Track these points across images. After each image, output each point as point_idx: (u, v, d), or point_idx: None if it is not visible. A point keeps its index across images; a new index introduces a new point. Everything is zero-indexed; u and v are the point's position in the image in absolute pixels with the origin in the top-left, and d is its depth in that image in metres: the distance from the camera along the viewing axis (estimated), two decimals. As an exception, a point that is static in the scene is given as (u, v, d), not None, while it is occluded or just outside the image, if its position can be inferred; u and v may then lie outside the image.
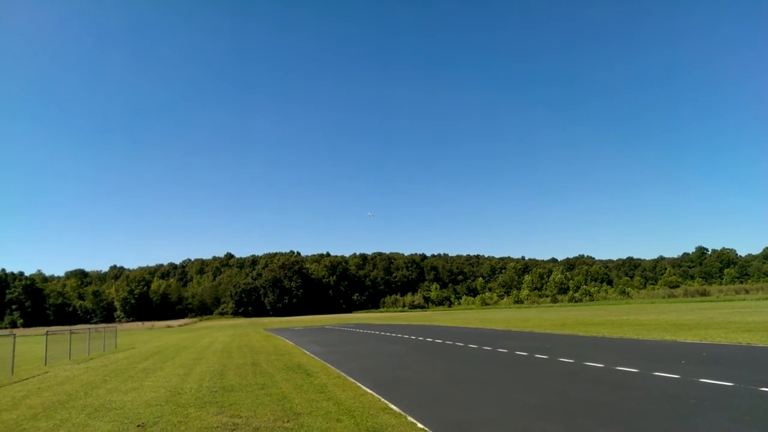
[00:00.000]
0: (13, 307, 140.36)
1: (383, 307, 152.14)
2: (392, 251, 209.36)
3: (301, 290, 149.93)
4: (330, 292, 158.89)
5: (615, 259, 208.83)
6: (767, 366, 14.10)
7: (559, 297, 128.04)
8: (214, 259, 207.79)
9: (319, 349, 26.55)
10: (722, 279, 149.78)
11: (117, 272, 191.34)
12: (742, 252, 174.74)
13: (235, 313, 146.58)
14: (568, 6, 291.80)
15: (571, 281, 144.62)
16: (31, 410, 11.77)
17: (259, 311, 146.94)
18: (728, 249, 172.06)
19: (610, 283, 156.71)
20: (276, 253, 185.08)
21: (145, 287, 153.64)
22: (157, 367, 20.71)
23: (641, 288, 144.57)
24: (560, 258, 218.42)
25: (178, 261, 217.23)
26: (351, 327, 53.66)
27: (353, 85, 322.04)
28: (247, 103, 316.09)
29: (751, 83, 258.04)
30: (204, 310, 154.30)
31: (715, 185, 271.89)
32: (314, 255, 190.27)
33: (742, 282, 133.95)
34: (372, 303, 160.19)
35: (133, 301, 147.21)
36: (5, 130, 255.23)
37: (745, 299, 79.60)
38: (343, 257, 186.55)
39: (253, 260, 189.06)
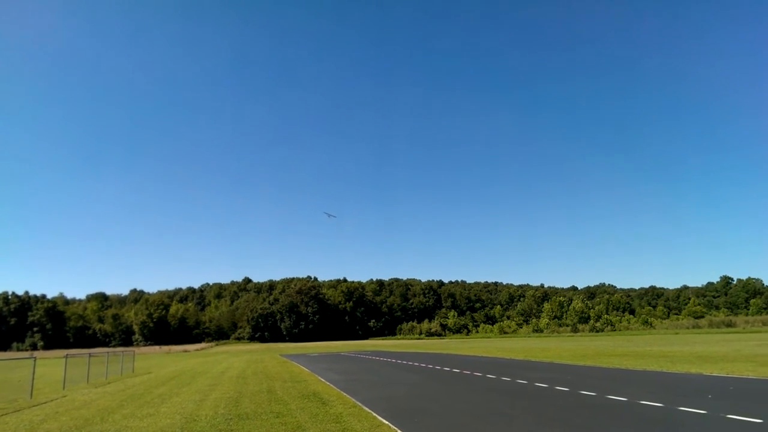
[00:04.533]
0: (35, 329, 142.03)
1: (400, 334, 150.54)
2: (409, 277, 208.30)
3: (317, 316, 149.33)
4: (346, 318, 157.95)
5: (637, 287, 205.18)
6: (799, 403, 13.57)
7: (580, 326, 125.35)
8: (232, 283, 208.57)
9: (335, 377, 26.27)
10: (748, 309, 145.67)
11: (137, 296, 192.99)
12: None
13: (252, 338, 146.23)
14: (571, 32, 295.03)
15: (592, 310, 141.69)
16: (48, 435, 11.78)
17: (276, 336, 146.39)
18: (754, 278, 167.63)
19: (632, 312, 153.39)
20: (293, 278, 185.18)
21: (164, 311, 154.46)
22: (173, 393, 20.69)
23: (664, 318, 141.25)
24: (580, 286, 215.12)
25: (196, 285, 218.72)
26: (367, 354, 53.14)
27: (354, 112, 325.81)
28: (282, 130, 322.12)
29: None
30: (221, 334, 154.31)
31: (740, 213, 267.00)
32: (331, 280, 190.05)
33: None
34: (388, 330, 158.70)
35: (151, 324, 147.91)
36: (34, 157, 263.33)
37: (773, 331, 77.33)
38: (359, 283, 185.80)
39: (271, 285, 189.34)
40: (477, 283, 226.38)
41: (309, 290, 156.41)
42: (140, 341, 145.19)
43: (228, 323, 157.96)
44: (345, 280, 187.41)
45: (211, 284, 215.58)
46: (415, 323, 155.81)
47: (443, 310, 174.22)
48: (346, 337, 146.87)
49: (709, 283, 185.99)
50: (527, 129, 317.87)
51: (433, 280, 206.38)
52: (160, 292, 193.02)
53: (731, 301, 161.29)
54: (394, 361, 38.58)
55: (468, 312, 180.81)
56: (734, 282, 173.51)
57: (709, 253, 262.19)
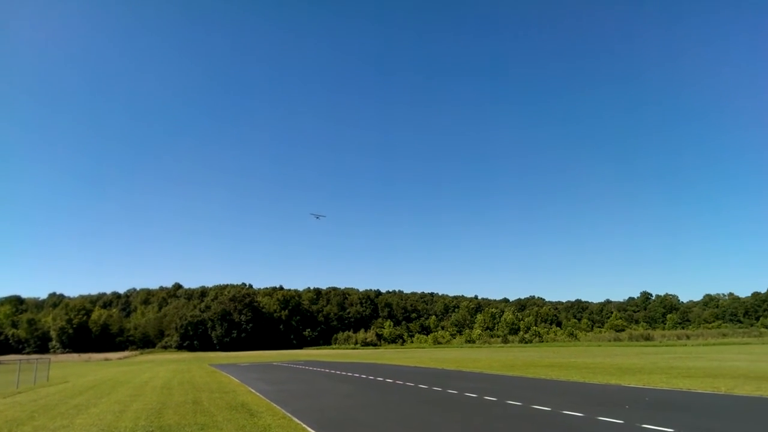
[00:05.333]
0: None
1: (335, 343, 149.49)
2: (347, 286, 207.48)
3: (250, 324, 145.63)
4: (281, 327, 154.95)
5: (564, 301, 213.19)
6: (706, 412, 14.54)
7: (510, 337, 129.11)
8: (161, 289, 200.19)
9: (266, 387, 25.72)
10: (665, 324, 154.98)
11: (56, 300, 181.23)
12: (684, 298, 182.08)
13: (180, 347, 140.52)
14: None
15: (522, 322, 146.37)
16: (-56, 451, 10.83)
17: (206, 345, 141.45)
18: (671, 295, 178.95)
19: (559, 324, 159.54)
20: (227, 285, 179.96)
21: (85, 317, 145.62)
22: (91, 404, 19.55)
23: (588, 330, 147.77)
24: (512, 298, 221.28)
25: (122, 290, 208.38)
26: (301, 364, 52.39)
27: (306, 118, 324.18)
28: (210, 133, 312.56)
29: (706, 140, 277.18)
30: (146, 342, 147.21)
31: (660, 233, 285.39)
32: (267, 288, 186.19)
33: (683, 327, 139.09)
34: (324, 339, 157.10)
35: (70, 331, 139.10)
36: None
37: (686, 345, 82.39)
38: (296, 291, 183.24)
39: (203, 292, 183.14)
40: (414, 293, 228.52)
41: (243, 297, 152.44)
42: (58, 348, 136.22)
43: (155, 331, 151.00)
44: (281, 288, 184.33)
45: (138, 289, 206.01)
46: (351, 333, 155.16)
47: (380, 319, 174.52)
48: (281, 347, 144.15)
49: (630, 298, 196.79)
50: (463, 147, 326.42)
51: (370, 290, 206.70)
52: (81, 297, 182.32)
53: (650, 315, 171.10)
54: (327, 371, 38.25)
55: (404, 322, 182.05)
56: (653, 298, 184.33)
57: (630, 269, 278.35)
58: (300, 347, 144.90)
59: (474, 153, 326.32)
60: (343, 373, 36.04)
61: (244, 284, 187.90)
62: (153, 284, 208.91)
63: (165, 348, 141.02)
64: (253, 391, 23.86)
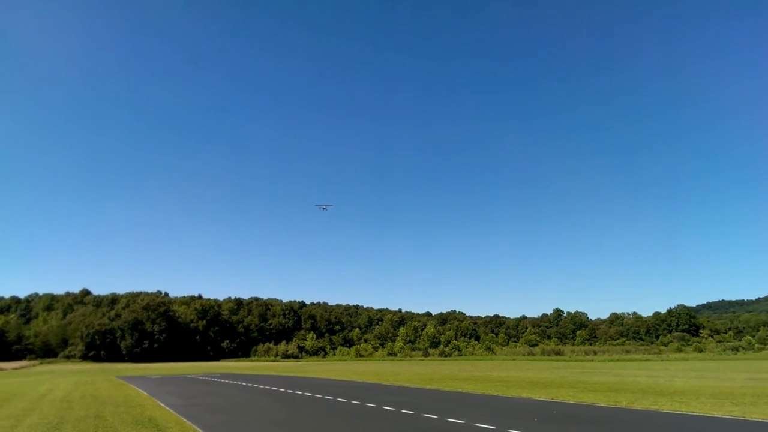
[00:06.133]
0: None
1: (255, 355, 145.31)
2: (270, 297, 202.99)
3: (164, 334, 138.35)
4: (198, 338, 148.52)
5: (483, 316, 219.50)
6: (608, 425, 15.42)
7: (431, 351, 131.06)
8: (67, 294, 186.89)
9: (177, 401, 24.53)
10: (575, 340, 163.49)
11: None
12: (592, 316, 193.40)
13: (85, 357, 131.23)
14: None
15: (442, 335, 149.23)
16: None
17: (114, 356, 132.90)
18: (581, 312, 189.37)
19: (477, 338, 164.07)
20: (141, 293, 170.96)
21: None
22: (-24, 420, 17.80)
23: (505, 345, 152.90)
24: (434, 312, 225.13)
25: (22, 294, 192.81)
26: (217, 377, 50.46)
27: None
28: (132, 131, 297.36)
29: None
30: (48, 352, 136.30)
31: (571, 253, 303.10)
32: (184, 297, 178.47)
33: (591, 344, 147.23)
34: (243, 351, 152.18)
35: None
36: None
37: (593, 360, 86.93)
38: (216, 301, 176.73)
39: (113, 299, 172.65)
40: (339, 306, 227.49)
41: (158, 306, 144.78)
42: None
43: (57, 339, 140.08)
44: (200, 297, 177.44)
45: (41, 294, 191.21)
46: (272, 345, 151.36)
47: (302, 331, 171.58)
48: (197, 358, 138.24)
49: (543, 314, 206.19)
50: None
51: (294, 301, 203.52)
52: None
53: (561, 331, 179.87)
54: (244, 384, 37.10)
55: (327, 334, 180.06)
56: (564, 315, 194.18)
57: (544, 286, 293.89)
58: (217, 359, 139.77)
59: (416, 169, 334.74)
60: (261, 386, 35.11)
61: (159, 292, 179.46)
62: (58, 289, 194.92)
63: (68, 358, 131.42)
64: (163, 405, 22.69)
